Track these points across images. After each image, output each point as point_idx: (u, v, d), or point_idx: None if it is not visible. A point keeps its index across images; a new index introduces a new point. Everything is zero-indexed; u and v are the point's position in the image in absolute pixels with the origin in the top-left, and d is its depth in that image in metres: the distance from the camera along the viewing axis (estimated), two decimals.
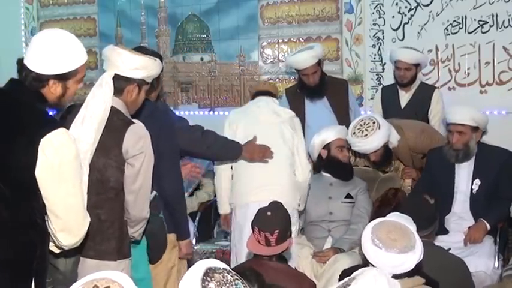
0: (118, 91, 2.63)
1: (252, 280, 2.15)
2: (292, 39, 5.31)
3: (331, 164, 3.97)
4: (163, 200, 3.08)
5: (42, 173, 2.12)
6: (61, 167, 2.14)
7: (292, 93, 4.55)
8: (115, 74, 2.62)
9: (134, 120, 2.69)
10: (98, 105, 2.55)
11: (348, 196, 3.89)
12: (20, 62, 2.23)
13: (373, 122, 3.88)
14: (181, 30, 5.79)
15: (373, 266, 2.22)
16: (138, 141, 2.61)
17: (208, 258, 3.64)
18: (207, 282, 1.52)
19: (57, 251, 2.29)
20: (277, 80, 5.41)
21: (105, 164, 2.60)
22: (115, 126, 2.59)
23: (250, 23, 5.44)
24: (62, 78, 2.23)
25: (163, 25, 5.81)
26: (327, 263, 3.62)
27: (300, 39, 5.25)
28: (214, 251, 4.07)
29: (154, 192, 3.03)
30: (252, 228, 2.74)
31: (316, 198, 3.92)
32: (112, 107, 2.60)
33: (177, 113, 5.61)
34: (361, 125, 3.91)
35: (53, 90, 2.23)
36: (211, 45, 5.64)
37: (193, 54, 5.75)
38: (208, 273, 1.54)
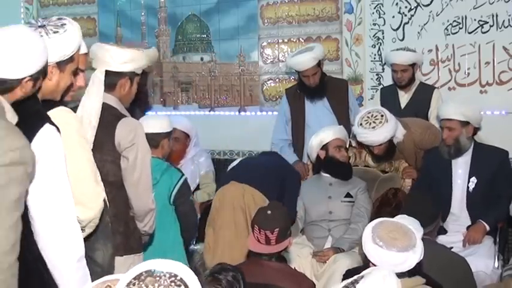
0: (110, 87, 2.70)
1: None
2: (292, 39, 5.30)
3: (329, 164, 3.97)
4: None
5: None
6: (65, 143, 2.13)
7: (292, 94, 4.56)
8: (106, 71, 2.68)
9: (126, 115, 2.75)
10: (93, 103, 2.61)
11: (348, 195, 3.89)
12: None
13: (381, 115, 3.90)
14: (181, 30, 5.78)
15: (374, 265, 2.23)
16: (129, 133, 2.66)
17: None
18: (131, 285, 1.41)
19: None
20: (277, 80, 5.41)
21: (101, 160, 2.62)
22: (107, 122, 2.65)
23: (250, 23, 5.43)
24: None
25: (163, 25, 5.81)
26: (327, 263, 3.63)
27: (300, 39, 5.25)
28: None
29: (184, 177, 3.27)
30: (252, 227, 2.74)
31: (316, 198, 3.92)
32: (104, 103, 2.65)
33: (177, 113, 5.63)
34: (368, 117, 3.92)
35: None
36: (211, 45, 5.63)
37: (193, 54, 5.75)
38: (140, 276, 1.43)
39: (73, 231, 2.04)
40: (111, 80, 2.70)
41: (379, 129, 3.85)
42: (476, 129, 3.83)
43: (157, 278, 1.40)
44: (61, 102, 2.25)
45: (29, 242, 1.96)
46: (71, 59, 2.14)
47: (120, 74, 2.72)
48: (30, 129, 1.94)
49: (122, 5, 5.95)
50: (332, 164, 3.96)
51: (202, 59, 5.71)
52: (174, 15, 5.77)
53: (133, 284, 1.40)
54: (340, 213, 3.85)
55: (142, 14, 5.89)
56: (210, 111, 5.69)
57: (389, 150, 4.01)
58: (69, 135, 2.16)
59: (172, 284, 1.40)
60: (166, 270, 1.43)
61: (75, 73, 2.22)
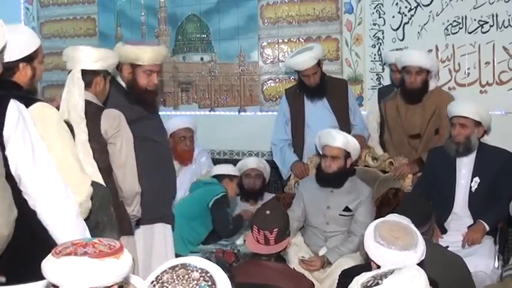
0: (87, 84, 2.95)
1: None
2: (292, 39, 5.30)
3: (317, 173, 3.92)
4: None
5: None
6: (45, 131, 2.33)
7: (292, 94, 4.55)
8: (82, 70, 2.92)
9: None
10: (76, 99, 2.86)
11: (347, 209, 3.78)
12: None
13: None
14: (181, 30, 5.78)
15: (375, 263, 2.23)
16: (113, 121, 2.94)
17: (208, 257, 3.68)
18: (164, 273, 1.53)
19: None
20: (277, 80, 5.41)
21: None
22: (91, 114, 2.90)
23: (250, 23, 5.43)
24: (29, 59, 2.44)
25: (163, 25, 5.81)
26: (332, 266, 3.61)
27: (300, 39, 5.25)
28: (214, 250, 4.06)
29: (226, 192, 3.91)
30: (251, 227, 2.74)
31: (315, 204, 3.85)
32: (85, 99, 2.89)
33: (177, 113, 5.64)
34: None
35: (24, 74, 2.43)
36: (211, 45, 5.64)
37: (193, 54, 5.75)
38: (175, 267, 1.54)
39: (64, 189, 2.23)
40: (88, 78, 2.95)
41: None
42: (484, 132, 3.83)
43: (189, 271, 1.51)
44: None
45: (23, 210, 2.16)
46: None
47: (94, 73, 2.97)
48: None
49: (122, 5, 5.95)
50: (319, 175, 3.87)
51: (202, 59, 5.71)
52: (174, 15, 5.77)
53: (167, 273, 1.52)
54: (336, 226, 3.80)
55: (142, 14, 5.89)
56: (210, 111, 5.70)
57: (422, 88, 4.11)
58: (49, 127, 2.35)
59: (201, 278, 1.50)
60: (200, 266, 1.54)
61: None
